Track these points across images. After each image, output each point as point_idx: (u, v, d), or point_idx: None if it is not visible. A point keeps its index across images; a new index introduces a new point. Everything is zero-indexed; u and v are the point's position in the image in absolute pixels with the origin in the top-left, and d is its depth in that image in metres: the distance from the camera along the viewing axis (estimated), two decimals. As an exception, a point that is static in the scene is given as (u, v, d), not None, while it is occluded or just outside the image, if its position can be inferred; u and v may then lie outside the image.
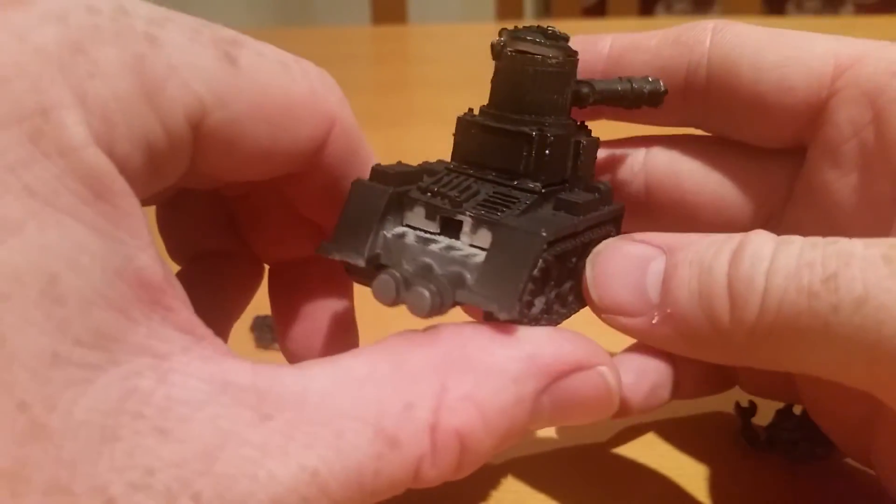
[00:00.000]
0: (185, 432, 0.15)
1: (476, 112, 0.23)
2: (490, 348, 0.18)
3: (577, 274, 0.22)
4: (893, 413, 0.20)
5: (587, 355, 0.19)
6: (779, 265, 0.19)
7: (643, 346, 0.27)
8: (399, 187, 0.21)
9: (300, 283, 0.26)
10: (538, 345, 0.19)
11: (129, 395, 0.15)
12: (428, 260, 0.20)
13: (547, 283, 0.20)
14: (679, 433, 0.29)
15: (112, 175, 0.16)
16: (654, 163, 0.27)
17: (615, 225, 0.24)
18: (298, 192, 0.24)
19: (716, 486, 0.27)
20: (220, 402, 0.16)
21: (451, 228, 0.21)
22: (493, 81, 0.23)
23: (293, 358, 0.26)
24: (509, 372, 0.18)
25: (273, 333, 0.34)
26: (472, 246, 0.21)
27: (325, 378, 0.17)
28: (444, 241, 0.21)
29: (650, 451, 0.28)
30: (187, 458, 0.15)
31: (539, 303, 0.20)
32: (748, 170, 0.26)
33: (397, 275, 0.18)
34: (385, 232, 0.21)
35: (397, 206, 0.21)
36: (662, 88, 0.24)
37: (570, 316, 0.22)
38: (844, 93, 0.23)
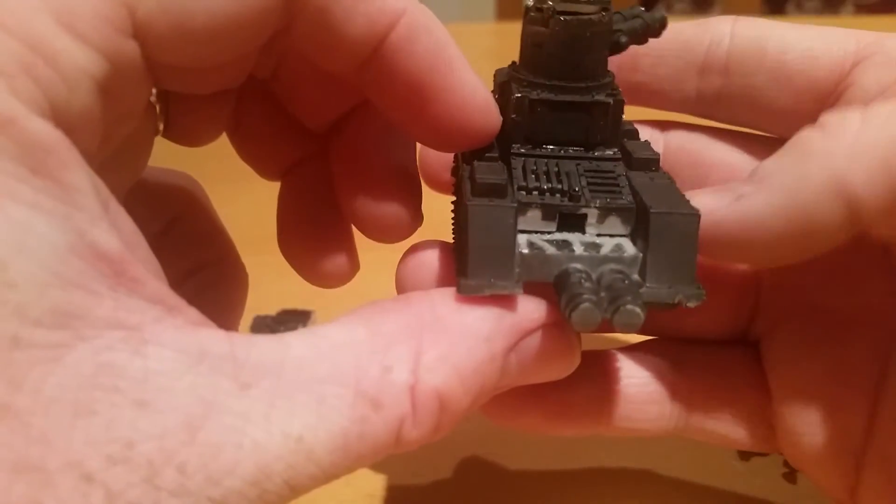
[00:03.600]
0: (165, 403, 0.15)
1: (520, 79, 0.22)
2: (460, 310, 0.19)
3: None
4: (884, 451, 0.20)
5: (549, 313, 0.20)
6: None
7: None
8: (513, 197, 0.20)
9: (310, 189, 0.26)
10: (505, 305, 0.19)
11: (103, 368, 0.15)
12: (580, 267, 0.20)
13: None
14: (678, 435, 0.29)
15: (49, 145, 0.15)
16: (672, 140, 0.27)
17: None
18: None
19: (715, 488, 0.27)
20: (198, 371, 0.15)
21: (570, 223, 0.21)
22: (539, 49, 0.22)
23: (291, 259, 0.26)
24: (481, 332, 0.18)
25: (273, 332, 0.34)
26: (601, 235, 0.21)
27: (301, 346, 0.17)
28: (576, 238, 0.21)
29: (648, 454, 0.28)
30: (169, 429, 0.15)
31: None
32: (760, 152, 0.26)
33: (594, 299, 0.18)
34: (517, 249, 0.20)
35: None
36: (664, 15, 0.23)
37: None
38: (871, 59, 0.23)
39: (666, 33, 0.25)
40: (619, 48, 0.22)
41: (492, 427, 0.30)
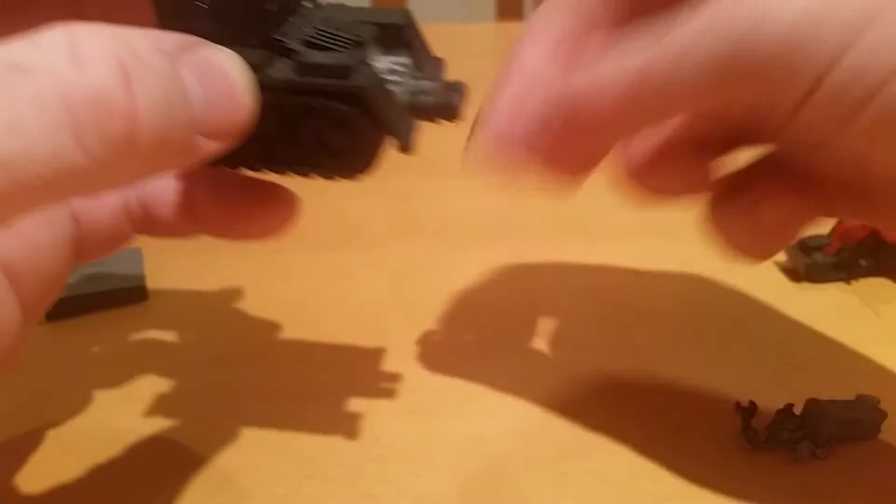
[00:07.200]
0: None
1: None
2: None
3: None
4: None
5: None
6: None
7: None
8: None
9: None
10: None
11: None
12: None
13: None
14: (679, 433, 0.29)
15: None
16: None
17: None
18: None
19: (716, 486, 0.27)
20: None
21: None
22: None
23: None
24: (142, 29, 0.17)
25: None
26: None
27: None
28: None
29: (649, 451, 0.28)
30: None
31: None
32: None
33: None
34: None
35: None
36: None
37: None
38: None
39: None
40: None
41: (490, 427, 0.30)
